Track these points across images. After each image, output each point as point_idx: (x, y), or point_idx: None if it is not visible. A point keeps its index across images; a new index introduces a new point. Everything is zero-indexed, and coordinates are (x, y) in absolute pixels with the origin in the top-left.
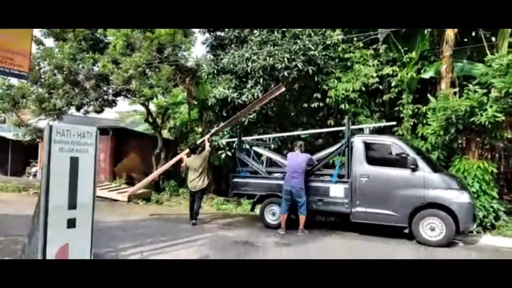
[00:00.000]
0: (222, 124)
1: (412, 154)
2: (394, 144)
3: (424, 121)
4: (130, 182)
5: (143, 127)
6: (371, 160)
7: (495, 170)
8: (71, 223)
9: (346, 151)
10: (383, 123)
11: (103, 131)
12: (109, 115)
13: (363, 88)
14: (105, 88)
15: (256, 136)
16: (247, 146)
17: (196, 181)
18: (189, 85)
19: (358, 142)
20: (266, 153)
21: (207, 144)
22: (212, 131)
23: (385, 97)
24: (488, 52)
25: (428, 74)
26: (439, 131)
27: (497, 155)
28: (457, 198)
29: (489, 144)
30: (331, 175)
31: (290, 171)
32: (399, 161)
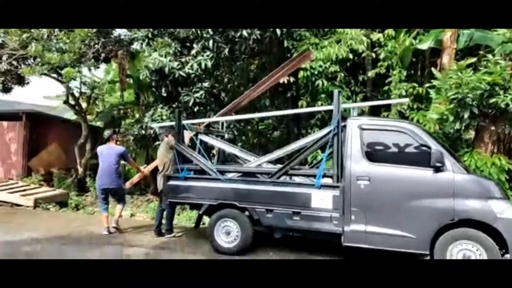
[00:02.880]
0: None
1: (435, 146)
2: (408, 132)
3: (415, 106)
4: (49, 179)
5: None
6: (373, 156)
7: None
8: None
9: (335, 141)
10: (392, 100)
11: (14, 116)
12: (37, 100)
13: (350, 56)
14: None
15: (202, 120)
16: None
17: (158, 178)
18: (122, 59)
19: (353, 129)
20: (218, 144)
21: (186, 137)
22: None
23: (371, 73)
24: None
25: (425, 44)
26: (448, 116)
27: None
28: (504, 212)
29: (497, 135)
30: (313, 176)
31: (102, 167)
32: (416, 157)
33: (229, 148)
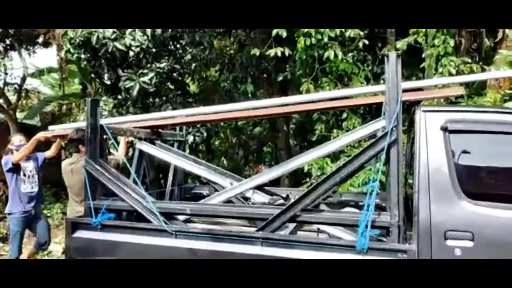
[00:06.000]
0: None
1: None
2: None
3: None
4: None
5: None
6: (477, 187)
7: None
8: None
9: (393, 154)
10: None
11: None
12: None
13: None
14: None
15: (138, 116)
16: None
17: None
18: (60, 40)
19: (430, 131)
20: (169, 158)
21: (122, 146)
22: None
23: (400, 44)
24: None
25: None
26: None
27: None
28: None
29: None
30: (345, 226)
31: None
32: None
33: (188, 165)
